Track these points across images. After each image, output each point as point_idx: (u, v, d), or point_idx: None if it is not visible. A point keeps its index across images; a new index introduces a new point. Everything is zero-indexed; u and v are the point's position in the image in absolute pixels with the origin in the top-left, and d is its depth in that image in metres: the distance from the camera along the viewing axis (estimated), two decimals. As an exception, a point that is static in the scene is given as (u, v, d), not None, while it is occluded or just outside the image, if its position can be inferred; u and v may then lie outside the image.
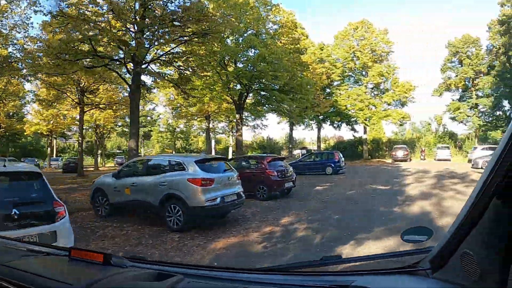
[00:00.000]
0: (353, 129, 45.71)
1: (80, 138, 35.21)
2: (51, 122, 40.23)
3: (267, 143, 56.17)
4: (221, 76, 25.34)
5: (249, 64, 24.43)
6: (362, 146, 43.84)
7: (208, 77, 25.18)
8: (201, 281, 1.26)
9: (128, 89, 18.76)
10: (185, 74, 20.07)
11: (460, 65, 41.95)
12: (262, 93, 27.82)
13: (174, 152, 63.21)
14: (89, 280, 1.14)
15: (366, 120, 41.58)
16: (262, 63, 23.83)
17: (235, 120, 32.36)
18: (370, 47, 40.71)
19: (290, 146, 43.17)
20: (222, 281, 1.28)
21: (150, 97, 47.38)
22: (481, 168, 24.38)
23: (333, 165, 25.41)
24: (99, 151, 56.09)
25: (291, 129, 42.41)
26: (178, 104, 41.68)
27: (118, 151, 68.57)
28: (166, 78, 20.43)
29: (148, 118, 61.82)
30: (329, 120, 45.40)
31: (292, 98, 28.09)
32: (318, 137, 47.10)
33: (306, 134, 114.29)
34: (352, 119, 42.94)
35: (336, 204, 12.46)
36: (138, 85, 18.59)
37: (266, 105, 29.29)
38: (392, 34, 74.14)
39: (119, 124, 54.83)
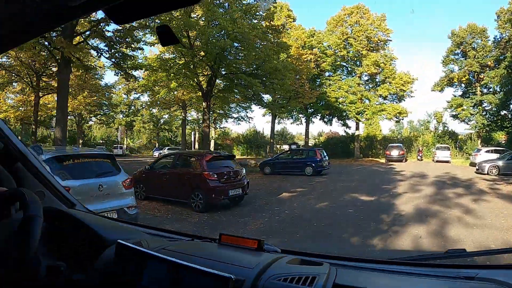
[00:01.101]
0: (345, 125, 41.96)
1: (34, 126, 31.46)
2: (21, 109, 37.25)
3: (253, 136, 52.18)
4: (184, 57, 21.35)
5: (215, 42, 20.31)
6: (354, 143, 39.81)
7: (170, 60, 21.42)
8: (347, 270, 1.30)
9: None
10: (118, 48, 16.29)
11: (464, 58, 37.82)
12: (235, 79, 23.69)
13: (158, 145, 59.47)
14: (259, 262, 1.22)
15: (358, 114, 37.74)
16: (226, 39, 19.77)
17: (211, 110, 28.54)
18: (366, 34, 36.65)
19: (272, 140, 39.03)
20: (363, 270, 1.36)
21: (133, 85, 43.85)
22: (488, 174, 20.51)
23: (313, 164, 21.77)
24: (80, 141, 53.11)
25: (273, 122, 38.34)
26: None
27: (100, 141, 64.40)
28: (99, 53, 16.61)
29: (132, 107, 58.25)
30: (319, 114, 41.40)
31: (264, 84, 24.03)
32: (306, 132, 43.10)
33: (302, 129, 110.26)
34: (344, 114, 39.08)
35: (291, 226, 8.78)
36: (67, 62, 15.17)
37: (235, 91, 25.25)
38: (391, 21, 69.12)
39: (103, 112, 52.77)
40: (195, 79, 23.05)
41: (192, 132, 48.01)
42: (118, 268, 1.32)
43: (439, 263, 1.44)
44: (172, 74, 22.99)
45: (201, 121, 50.55)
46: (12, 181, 1.77)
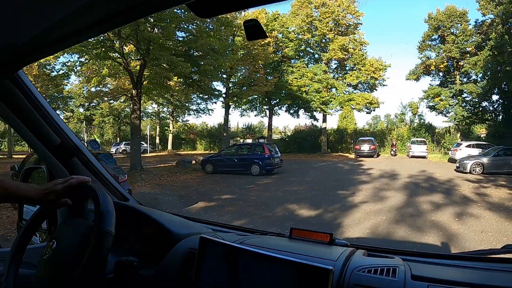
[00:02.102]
0: (312, 117, 38.05)
1: None
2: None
3: (216, 130, 48.19)
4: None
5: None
6: (321, 137, 36.09)
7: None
8: (417, 264, 1.31)
9: None
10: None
11: (442, 44, 34.17)
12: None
13: (119, 139, 54.65)
14: (340, 254, 1.26)
15: (323, 104, 33.73)
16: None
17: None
18: (333, 17, 32.65)
19: (225, 134, 34.89)
20: (431, 264, 1.37)
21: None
22: (470, 172, 16.93)
23: (260, 162, 18.11)
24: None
25: (227, 113, 34.11)
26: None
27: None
28: None
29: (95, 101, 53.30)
30: (285, 106, 37.53)
31: (198, 65, 20.04)
32: (269, 125, 39.04)
33: (279, 122, 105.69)
34: (308, 104, 34.84)
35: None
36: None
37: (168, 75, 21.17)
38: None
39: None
40: (120, 62, 18.85)
41: (148, 126, 43.97)
42: (203, 264, 1.30)
43: (498, 257, 1.43)
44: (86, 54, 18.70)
45: (162, 114, 46.64)
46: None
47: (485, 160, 18.57)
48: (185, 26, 19.26)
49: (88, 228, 1.30)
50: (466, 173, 18.11)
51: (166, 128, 48.28)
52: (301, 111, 37.95)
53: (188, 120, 51.34)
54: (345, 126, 38.62)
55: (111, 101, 49.86)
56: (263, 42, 29.42)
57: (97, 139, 54.74)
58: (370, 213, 8.89)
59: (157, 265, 1.47)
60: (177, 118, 47.13)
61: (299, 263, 1.10)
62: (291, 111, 38.14)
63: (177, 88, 26.76)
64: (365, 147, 29.87)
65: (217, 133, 46.70)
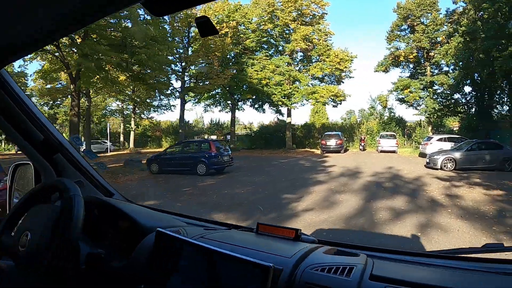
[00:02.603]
0: (278, 112, 35.80)
1: None
2: None
3: (180, 127, 45.41)
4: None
5: None
6: (286, 132, 34.03)
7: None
8: (384, 261, 1.32)
9: None
10: None
11: (412, 33, 32.43)
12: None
13: (83, 138, 51.20)
14: (297, 251, 1.25)
15: (284, 98, 31.56)
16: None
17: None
18: (296, 6, 30.44)
19: (180, 131, 32.39)
20: (399, 262, 1.37)
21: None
22: (441, 169, 15.12)
23: (206, 161, 16.21)
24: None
25: (182, 108, 31.60)
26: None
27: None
28: None
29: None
30: (249, 101, 35.34)
31: (127, 53, 17.96)
32: (232, 120, 36.69)
33: (250, 118, 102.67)
34: (269, 98, 32.53)
35: None
36: None
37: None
38: None
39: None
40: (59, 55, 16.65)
41: (108, 124, 41.85)
42: (157, 256, 1.34)
43: (476, 257, 1.39)
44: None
45: (126, 111, 43.83)
46: (52, 172, 1.91)
47: (457, 155, 16.80)
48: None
49: (57, 214, 1.35)
50: (437, 169, 16.36)
51: (128, 125, 45.45)
52: (266, 106, 35.85)
53: (153, 117, 48.85)
54: (316, 121, 38.04)
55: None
56: (220, 33, 27.10)
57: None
58: (309, 226, 6.77)
59: (127, 257, 1.48)
60: (141, 115, 44.52)
61: (242, 259, 1.12)
62: (256, 106, 36.01)
63: (126, 83, 24.22)
64: (332, 142, 27.97)
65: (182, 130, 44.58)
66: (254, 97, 33.52)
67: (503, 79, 21.99)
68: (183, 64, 29.13)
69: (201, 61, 28.17)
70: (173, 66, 29.26)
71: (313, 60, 32.47)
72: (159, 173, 16.84)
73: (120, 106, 45.48)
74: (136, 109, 41.60)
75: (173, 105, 39.55)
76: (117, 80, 22.78)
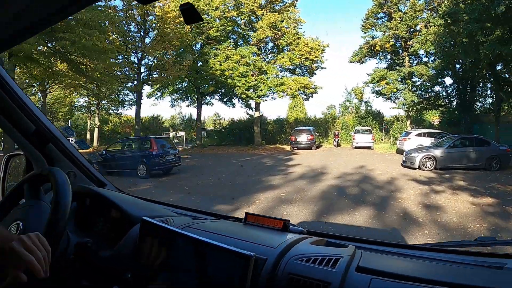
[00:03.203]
0: (248, 106, 33.21)
1: None
2: None
3: (149, 123, 44.13)
4: None
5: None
6: (254, 128, 31.66)
7: None
8: (372, 253, 1.30)
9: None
10: None
11: (388, 21, 30.16)
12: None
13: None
14: (282, 242, 1.23)
15: (249, 90, 29.04)
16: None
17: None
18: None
19: (136, 127, 29.58)
20: (389, 254, 1.36)
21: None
22: (419, 168, 12.91)
23: (147, 161, 14.07)
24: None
25: (139, 103, 28.58)
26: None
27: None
28: None
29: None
30: (218, 95, 32.83)
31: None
32: (198, 115, 33.94)
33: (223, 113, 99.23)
34: (236, 91, 29.90)
35: None
36: None
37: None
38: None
39: None
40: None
41: (70, 121, 40.38)
42: (141, 244, 1.35)
43: (468, 250, 1.39)
44: None
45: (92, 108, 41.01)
46: (44, 162, 1.88)
47: (437, 152, 14.60)
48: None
49: (48, 205, 1.38)
50: (415, 168, 14.28)
51: (92, 122, 42.22)
52: (236, 100, 33.18)
53: (121, 113, 46.06)
54: (295, 116, 35.92)
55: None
56: (178, 21, 24.38)
57: None
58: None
59: (115, 246, 1.48)
60: (110, 111, 42.00)
61: (225, 248, 1.12)
62: (225, 100, 33.41)
63: (72, 76, 21.41)
64: (302, 138, 25.73)
65: (150, 126, 42.70)
66: (217, 90, 31.02)
67: (488, 68, 19.85)
68: (139, 54, 26.29)
69: (158, 52, 25.43)
70: (130, 57, 26.56)
71: (285, 50, 30.05)
72: (105, 175, 14.15)
73: (87, 101, 42.48)
74: (101, 104, 39.02)
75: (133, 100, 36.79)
76: (62, 72, 20.06)
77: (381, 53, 31.06)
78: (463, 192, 9.48)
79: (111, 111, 42.09)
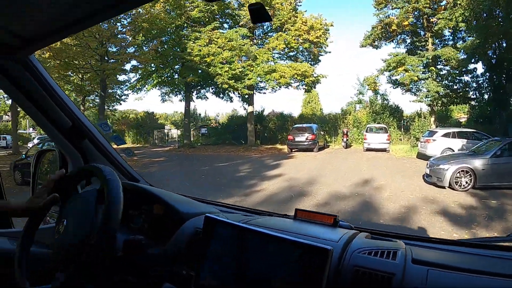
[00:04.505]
0: (245, 100, 28.55)
1: None
2: None
3: (143, 120, 40.60)
4: None
5: None
6: (247, 125, 27.38)
7: None
8: (419, 248, 1.31)
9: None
10: None
11: (407, -4, 24.96)
12: None
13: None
14: (342, 236, 1.25)
15: (233, 79, 23.93)
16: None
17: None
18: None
19: (103, 124, 25.54)
20: (432, 249, 1.36)
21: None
22: (451, 187, 8.28)
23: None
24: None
25: (103, 95, 24.41)
26: None
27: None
28: None
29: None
30: (212, 88, 28.55)
31: None
32: (186, 111, 29.51)
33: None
34: (217, 80, 24.57)
35: None
36: None
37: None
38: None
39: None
40: None
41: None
42: (205, 242, 1.32)
43: (503, 245, 1.43)
44: None
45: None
46: (80, 158, 1.90)
47: (477, 163, 9.87)
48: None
49: (95, 204, 1.33)
50: (443, 187, 9.64)
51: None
52: (235, 93, 28.56)
53: (116, 109, 42.52)
54: (310, 112, 32.55)
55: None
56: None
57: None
58: None
59: (164, 243, 1.47)
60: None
61: (300, 242, 1.12)
62: (218, 93, 29.01)
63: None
64: (301, 138, 21.35)
65: (144, 123, 39.36)
66: (201, 80, 26.32)
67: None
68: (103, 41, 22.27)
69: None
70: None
71: (277, 31, 25.18)
72: (22, 184, 12.08)
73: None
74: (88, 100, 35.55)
75: (125, 95, 33.28)
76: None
77: (398, 36, 25.98)
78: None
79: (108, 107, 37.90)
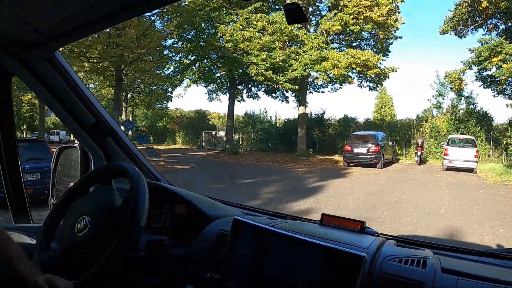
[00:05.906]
0: (298, 99, 24.33)
1: None
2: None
3: (196, 118, 38.10)
4: None
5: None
6: (297, 129, 23.42)
7: None
8: (447, 257, 1.29)
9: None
10: None
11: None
12: None
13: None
14: (371, 243, 1.24)
15: (271, 70, 19.72)
16: None
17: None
18: None
19: (126, 122, 22.69)
20: (463, 259, 1.33)
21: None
22: None
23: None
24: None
25: (118, 94, 21.53)
26: None
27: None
28: None
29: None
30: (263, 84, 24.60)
31: None
32: (229, 111, 26.24)
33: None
34: (250, 71, 20.46)
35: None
36: None
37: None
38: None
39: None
40: None
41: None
42: (234, 243, 1.31)
43: None
44: None
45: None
46: (102, 156, 1.88)
47: None
48: None
49: (119, 203, 1.34)
50: None
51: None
52: (289, 92, 24.73)
53: (168, 108, 41.68)
54: (378, 118, 28.78)
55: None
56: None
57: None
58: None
59: (188, 244, 1.48)
60: (153, 106, 38.37)
61: (332, 248, 1.12)
62: (272, 92, 25.54)
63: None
64: (362, 149, 17.14)
65: (197, 122, 37.08)
66: (232, 71, 22.41)
67: None
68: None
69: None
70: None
71: (332, 9, 20.40)
72: None
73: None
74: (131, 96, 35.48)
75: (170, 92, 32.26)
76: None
77: (489, 21, 20.41)
78: None
79: (159, 106, 38.53)
